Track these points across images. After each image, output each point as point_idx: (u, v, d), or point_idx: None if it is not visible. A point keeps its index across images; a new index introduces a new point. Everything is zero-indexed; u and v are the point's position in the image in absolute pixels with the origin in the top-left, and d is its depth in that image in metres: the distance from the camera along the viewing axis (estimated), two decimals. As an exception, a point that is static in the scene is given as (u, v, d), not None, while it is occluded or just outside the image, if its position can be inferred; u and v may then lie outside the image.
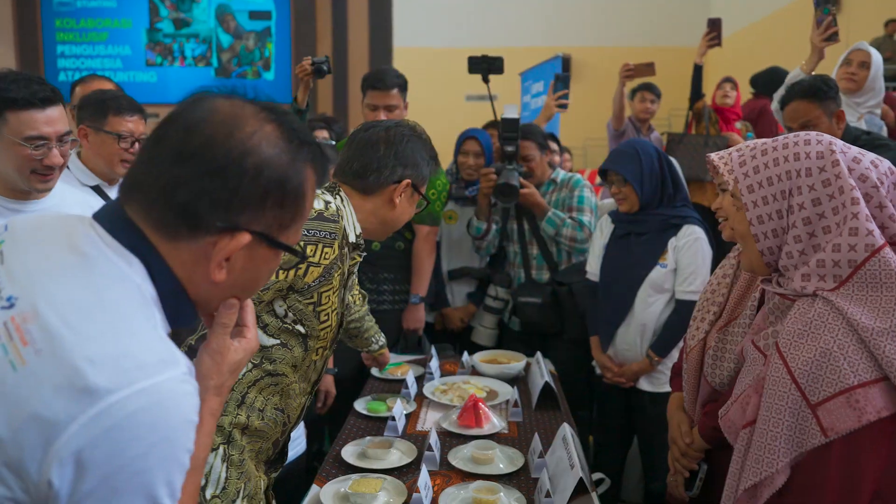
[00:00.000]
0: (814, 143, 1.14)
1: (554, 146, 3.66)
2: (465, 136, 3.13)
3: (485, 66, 2.90)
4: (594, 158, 6.33)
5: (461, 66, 3.09)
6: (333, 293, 1.46)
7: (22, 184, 1.62)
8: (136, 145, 2.09)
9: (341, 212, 1.47)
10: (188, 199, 0.74)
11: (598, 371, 2.61)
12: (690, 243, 2.41)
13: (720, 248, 4.40)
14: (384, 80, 2.78)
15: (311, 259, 1.37)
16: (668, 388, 2.38)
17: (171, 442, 0.69)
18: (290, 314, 1.42)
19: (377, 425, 2.06)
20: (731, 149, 1.40)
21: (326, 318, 1.46)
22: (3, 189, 1.64)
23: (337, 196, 1.50)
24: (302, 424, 2.07)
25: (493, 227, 2.96)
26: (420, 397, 2.26)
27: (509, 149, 2.78)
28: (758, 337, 1.23)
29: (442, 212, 2.93)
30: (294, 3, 9.77)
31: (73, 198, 1.82)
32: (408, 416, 2.10)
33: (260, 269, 0.83)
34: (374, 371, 2.52)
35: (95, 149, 2.10)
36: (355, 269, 1.59)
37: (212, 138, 0.75)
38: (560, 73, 3.26)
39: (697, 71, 4.08)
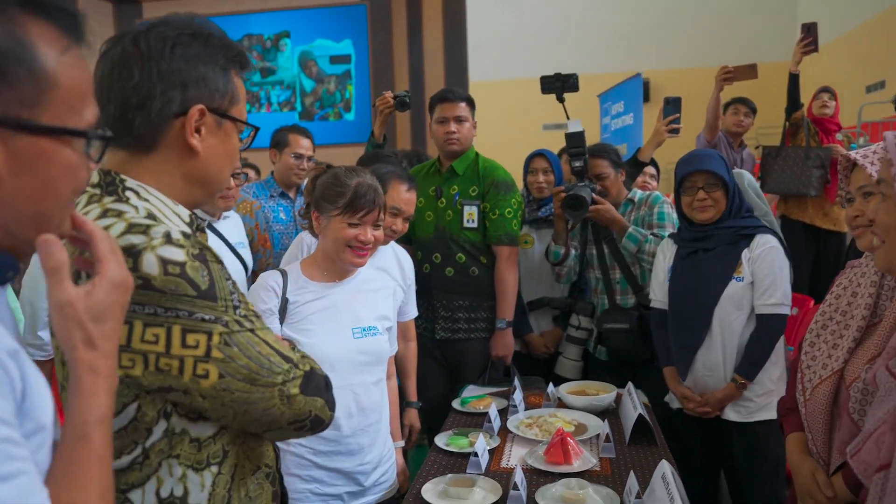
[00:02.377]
0: None
1: (652, 170, 3.50)
2: (532, 155, 3.09)
3: (558, 84, 2.82)
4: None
5: (536, 96, 3.03)
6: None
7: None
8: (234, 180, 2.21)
9: (147, 210, 0.96)
10: None
11: (673, 405, 2.42)
12: (766, 253, 2.22)
13: (819, 267, 4.07)
14: (452, 92, 2.83)
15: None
16: (757, 417, 2.19)
17: None
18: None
19: (459, 461, 1.96)
20: (873, 145, 1.26)
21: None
22: None
23: (124, 194, 0.97)
24: (393, 456, 1.99)
25: (572, 252, 2.84)
26: (504, 431, 2.15)
27: (577, 164, 2.67)
28: (894, 361, 1.06)
29: (519, 232, 2.84)
30: (372, 45, 10.08)
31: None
32: (491, 451, 1.99)
33: (46, 170, 0.65)
34: (455, 404, 2.44)
35: None
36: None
37: None
38: (670, 98, 3.02)
39: (794, 80, 3.85)
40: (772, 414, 2.03)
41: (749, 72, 3.53)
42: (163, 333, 0.89)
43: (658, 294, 2.45)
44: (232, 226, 2.39)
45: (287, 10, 10.27)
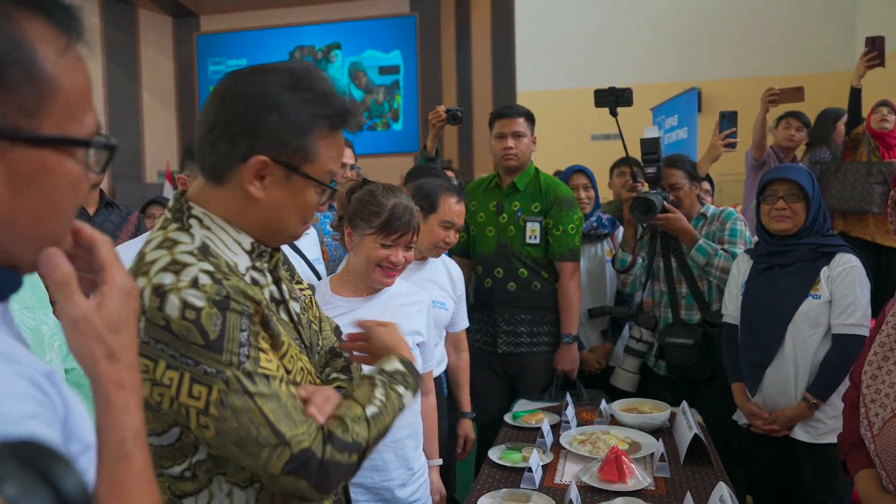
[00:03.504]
0: None
1: (707, 185, 3.46)
2: (572, 171, 3.12)
3: (612, 98, 2.81)
4: (730, 195, 5.97)
5: (585, 106, 3.03)
6: (286, 337, 1.03)
7: None
8: None
9: (203, 240, 1.00)
10: None
11: (741, 422, 2.37)
12: (846, 272, 2.16)
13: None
14: (511, 107, 2.86)
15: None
16: (828, 439, 2.14)
17: None
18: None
19: (513, 476, 1.97)
20: None
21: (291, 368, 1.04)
22: None
23: (187, 222, 1.01)
24: (425, 474, 1.92)
25: (639, 260, 2.83)
26: (556, 447, 2.16)
27: (650, 170, 2.65)
28: None
29: (580, 247, 2.85)
30: (421, 57, 10.19)
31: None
32: (545, 467, 2.00)
33: (47, 184, 0.59)
34: (508, 418, 2.45)
35: None
36: (282, 271, 1.14)
37: None
38: (726, 112, 3.01)
39: (855, 94, 3.76)
40: None
41: (795, 94, 3.47)
42: (176, 378, 0.91)
43: (730, 308, 2.41)
44: (310, 241, 2.43)
45: (338, 22, 10.47)
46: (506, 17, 8.20)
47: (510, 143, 2.78)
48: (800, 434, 2.20)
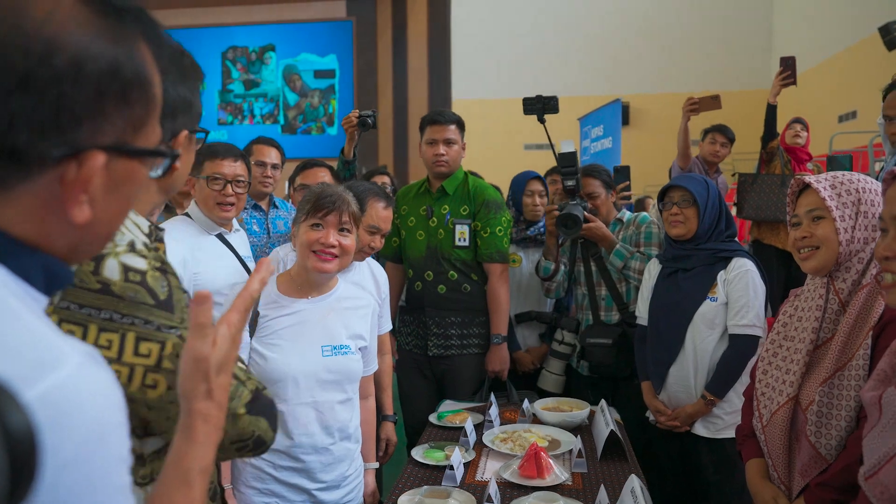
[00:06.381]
0: None
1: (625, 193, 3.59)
2: (529, 177, 3.15)
3: (539, 105, 2.89)
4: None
5: (518, 116, 3.09)
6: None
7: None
8: (231, 187, 2.19)
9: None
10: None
11: (651, 418, 2.48)
12: (741, 275, 2.29)
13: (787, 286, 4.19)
14: (443, 114, 2.87)
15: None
16: (726, 434, 2.25)
17: (89, 462, 0.50)
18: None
19: (435, 474, 1.98)
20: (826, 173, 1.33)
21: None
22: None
23: None
24: (361, 476, 1.95)
25: (562, 267, 2.90)
26: (479, 446, 2.18)
27: (569, 183, 2.74)
28: None
29: (509, 249, 2.90)
30: (357, 62, 10.15)
31: (168, 251, 1.87)
32: (466, 465, 2.02)
33: (128, 190, 0.63)
34: (433, 418, 2.47)
35: (198, 196, 2.22)
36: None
37: None
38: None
39: (771, 111, 3.97)
40: None
41: (713, 103, 3.65)
42: (116, 339, 0.89)
43: (641, 310, 2.52)
44: (240, 239, 2.40)
45: (273, 24, 10.32)
46: (442, 26, 8.29)
47: (441, 149, 2.80)
48: (700, 430, 2.31)
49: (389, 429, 2.49)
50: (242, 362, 1.06)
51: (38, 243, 0.58)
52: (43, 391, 0.49)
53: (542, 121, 2.90)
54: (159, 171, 0.70)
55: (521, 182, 3.15)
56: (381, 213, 2.29)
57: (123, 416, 0.56)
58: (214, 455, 0.74)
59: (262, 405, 1.00)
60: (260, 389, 1.01)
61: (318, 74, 10.34)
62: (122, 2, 0.61)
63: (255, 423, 0.98)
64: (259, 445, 1.03)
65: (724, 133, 4.23)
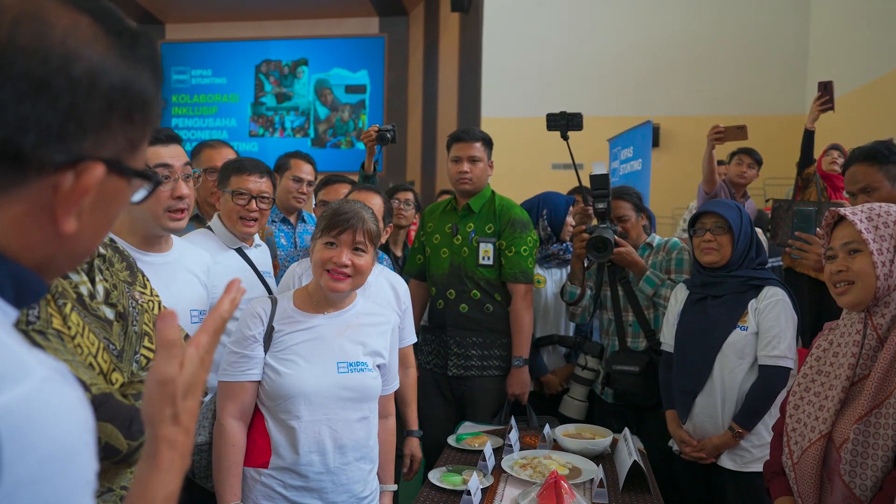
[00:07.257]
0: None
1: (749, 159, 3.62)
2: (572, 200, 3.14)
3: (563, 122, 2.84)
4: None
5: (546, 135, 3.06)
6: (81, 333, 1.04)
7: (154, 225, 1.71)
8: (255, 202, 2.20)
9: None
10: (6, 135, 0.53)
11: (675, 449, 2.40)
12: (773, 305, 2.22)
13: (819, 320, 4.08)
14: (468, 132, 2.85)
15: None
16: (754, 468, 2.17)
17: (50, 483, 0.48)
18: None
19: (452, 499, 1.94)
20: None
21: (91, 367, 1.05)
22: (133, 238, 1.72)
23: None
24: (376, 500, 1.87)
25: (588, 292, 2.85)
26: (498, 471, 2.14)
27: (601, 206, 2.68)
28: None
29: (534, 269, 2.85)
30: (388, 78, 10.24)
31: (193, 255, 1.91)
32: (484, 490, 1.98)
33: (113, 209, 0.63)
34: (451, 440, 2.43)
35: (223, 209, 2.23)
36: (99, 274, 1.16)
37: (13, 44, 0.53)
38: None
39: (808, 136, 3.91)
40: None
41: (739, 132, 3.60)
42: None
43: (667, 337, 2.45)
44: (261, 254, 2.40)
45: (306, 39, 10.47)
46: (473, 44, 8.32)
47: (465, 167, 2.78)
48: (726, 462, 2.24)
49: (414, 444, 2.44)
50: (102, 364, 1.02)
51: (16, 253, 0.57)
52: (2, 404, 0.47)
53: (565, 137, 2.85)
54: (140, 196, 0.67)
55: (562, 202, 3.09)
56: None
57: (90, 437, 0.53)
58: (180, 483, 0.70)
59: (110, 410, 0.95)
60: (113, 395, 0.96)
61: (350, 89, 10.45)
62: (134, 29, 0.62)
63: (100, 430, 0.93)
64: (112, 454, 0.98)
65: (751, 155, 4.19)
